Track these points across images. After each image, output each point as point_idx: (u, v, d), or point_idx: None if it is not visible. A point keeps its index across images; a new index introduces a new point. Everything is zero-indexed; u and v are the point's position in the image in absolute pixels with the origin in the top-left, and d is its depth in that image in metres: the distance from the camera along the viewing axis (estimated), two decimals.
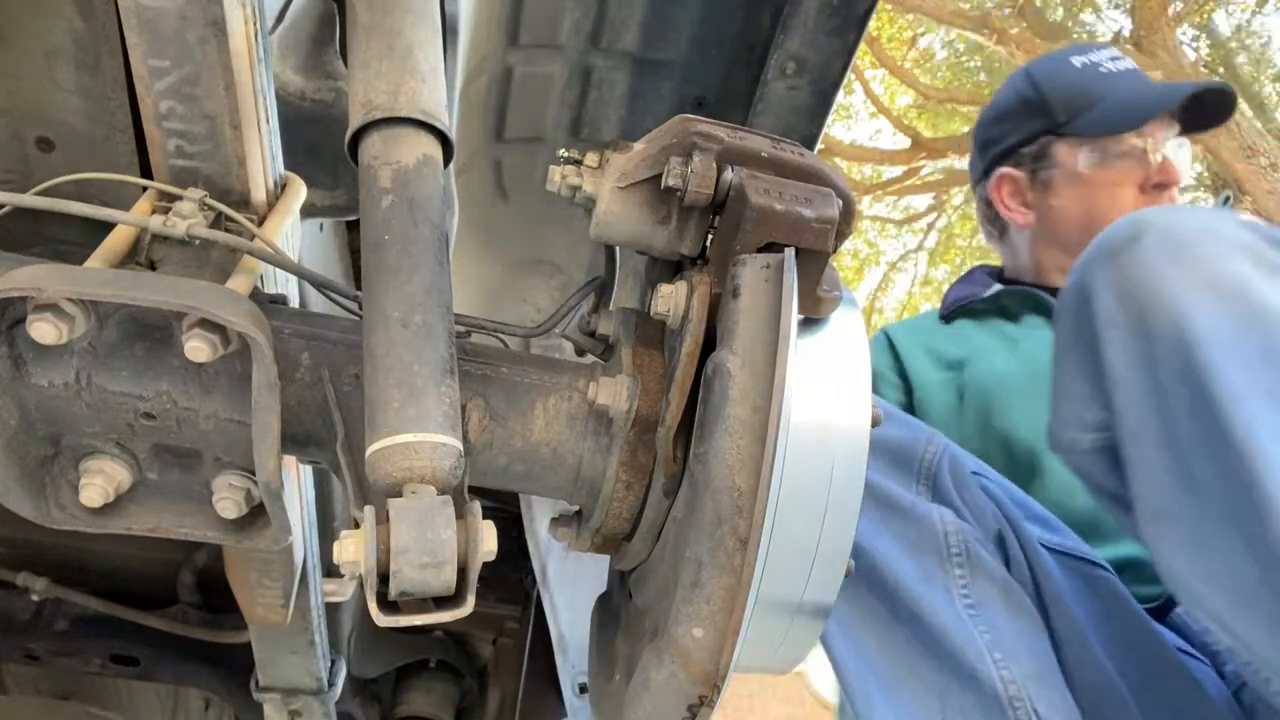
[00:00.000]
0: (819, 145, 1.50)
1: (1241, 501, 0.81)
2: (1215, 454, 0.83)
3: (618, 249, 0.88)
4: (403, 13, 0.80)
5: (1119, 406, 0.93)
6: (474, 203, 1.67)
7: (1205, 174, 8.24)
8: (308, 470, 1.15)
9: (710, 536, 0.66)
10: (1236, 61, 9.53)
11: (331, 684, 1.53)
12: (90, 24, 0.92)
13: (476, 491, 0.76)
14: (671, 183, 0.72)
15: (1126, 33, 8.75)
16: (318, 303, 1.12)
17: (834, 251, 0.74)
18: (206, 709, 2.17)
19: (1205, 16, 9.47)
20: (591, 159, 0.78)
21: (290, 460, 0.94)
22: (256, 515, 0.79)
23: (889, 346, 1.87)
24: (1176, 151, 1.72)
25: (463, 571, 0.63)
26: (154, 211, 0.79)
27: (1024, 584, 1.12)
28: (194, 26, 0.72)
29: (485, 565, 0.64)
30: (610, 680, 0.82)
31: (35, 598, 1.65)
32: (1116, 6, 9.81)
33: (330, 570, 1.45)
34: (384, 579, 0.61)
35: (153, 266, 0.80)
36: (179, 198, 0.80)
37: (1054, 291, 1.67)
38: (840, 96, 1.51)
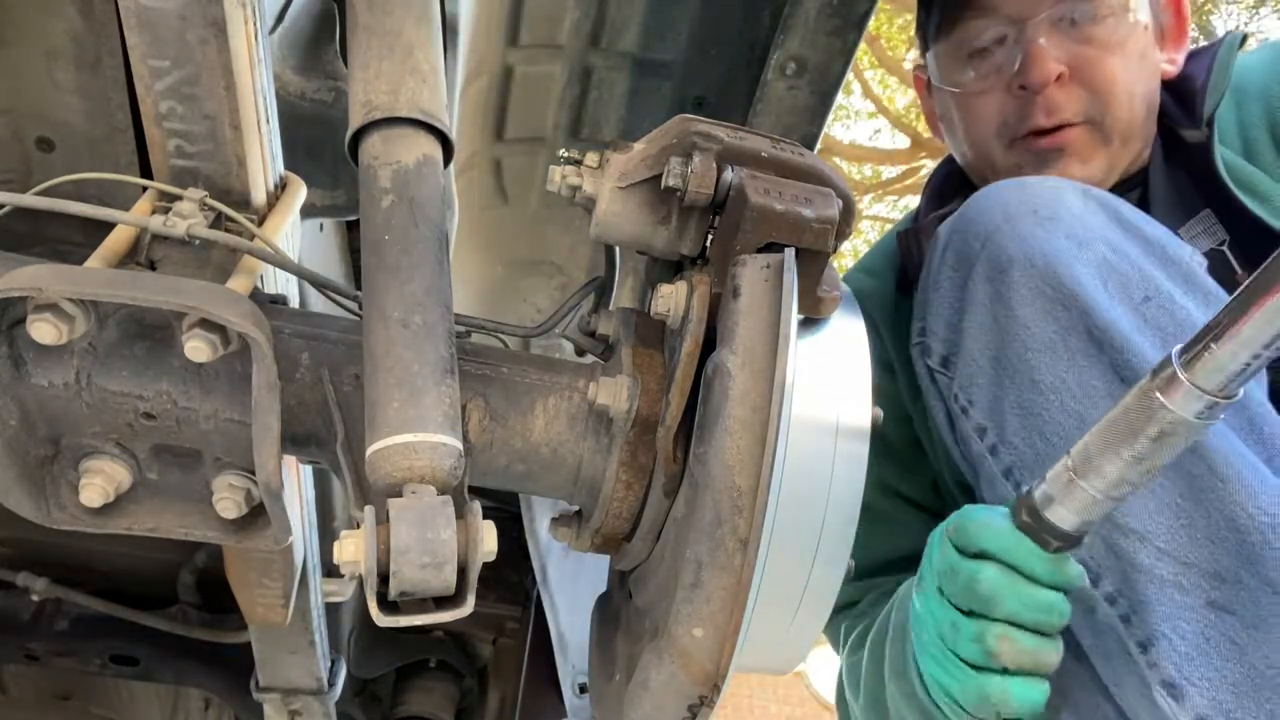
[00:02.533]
0: (819, 145, 1.50)
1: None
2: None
3: (618, 249, 0.88)
4: (403, 13, 0.80)
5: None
6: (474, 203, 1.67)
7: None
8: (308, 470, 1.14)
9: (710, 536, 0.66)
10: None
11: (331, 684, 1.53)
12: (90, 24, 0.92)
13: (476, 491, 0.76)
14: (671, 183, 0.72)
15: None
16: (318, 303, 1.12)
17: (834, 251, 0.74)
18: (206, 709, 2.17)
19: (1204, 18, 9.48)
20: (591, 159, 0.78)
21: (290, 460, 0.94)
22: (256, 515, 0.79)
23: None
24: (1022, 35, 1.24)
25: (463, 571, 0.63)
26: (154, 211, 0.79)
27: None
28: (194, 26, 0.72)
29: (485, 565, 0.64)
30: (610, 680, 0.82)
31: (35, 598, 1.65)
32: None
33: (330, 570, 1.45)
34: (384, 579, 0.61)
35: (153, 266, 0.80)
36: (179, 198, 0.80)
37: None
38: (840, 97, 1.50)
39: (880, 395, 1.20)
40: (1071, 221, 1.02)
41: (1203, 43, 1.34)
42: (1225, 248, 1.25)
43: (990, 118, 1.30)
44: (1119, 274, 1.00)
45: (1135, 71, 1.25)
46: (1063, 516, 0.82)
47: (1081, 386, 0.97)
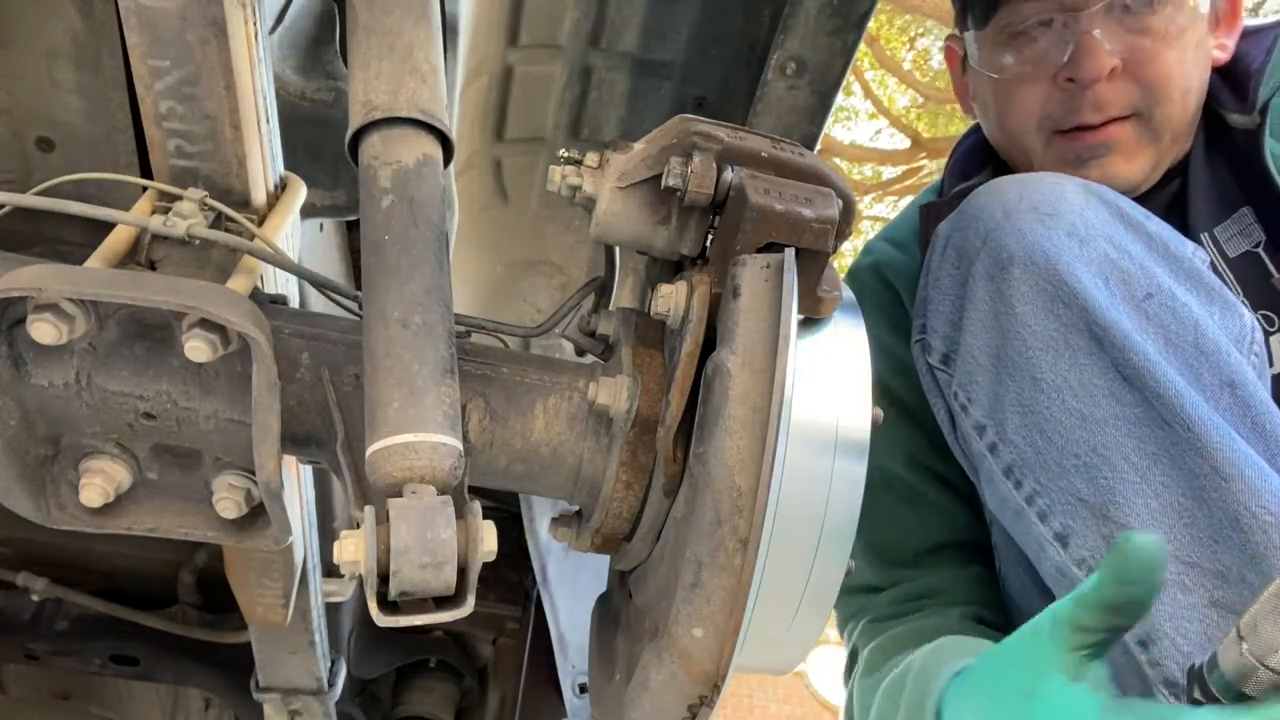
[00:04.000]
0: (819, 145, 1.50)
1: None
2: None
3: (618, 249, 0.88)
4: (403, 13, 0.80)
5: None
6: (474, 203, 1.67)
7: None
8: (308, 470, 1.14)
9: (710, 536, 0.66)
10: None
11: (331, 684, 1.53)
12: (90, 24, 0.92)
13: (476, 491, 0.76)
14: (671, 183, 0.72)
15: None
16: (318, 303, 1.12)
17: (834, 251, 0.74)
18: (206, 709, 2.17)
19: None
20: (591, 159, 0.78)
21: (290, 460, 0.94)
22: (256, 515, 0.79)
23: None
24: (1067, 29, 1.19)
25: (463, 571, 0.63)
26: (154, 211, 0.79)
27: None
28: (194, 26, 0.72)
29: (485, 565, 0.64)
30: (610, 680, 0.82)
31: (35, 598, 1.65)
32: None
33: (330, 570, 1.45)
34: (384, 579, 0.61)
35: (153, 266, 0.80)
36: (179, 198, 0.80)
37: None
38: (840, 98, 1.50)
39: (908, 372, 1.19)
40: (1072, 218, 1.01)
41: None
42: (1261, 249, 1.22)
43: (1031, 109, 1.23)
44: (1120, 271, 0.99)
45: (1190, 64, 1.19)
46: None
47: (1083, 385, 0.96)
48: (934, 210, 1.33)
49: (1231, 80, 1.24)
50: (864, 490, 0.71)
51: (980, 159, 1.42)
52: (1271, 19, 1.27)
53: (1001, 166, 1.39)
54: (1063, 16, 1.18)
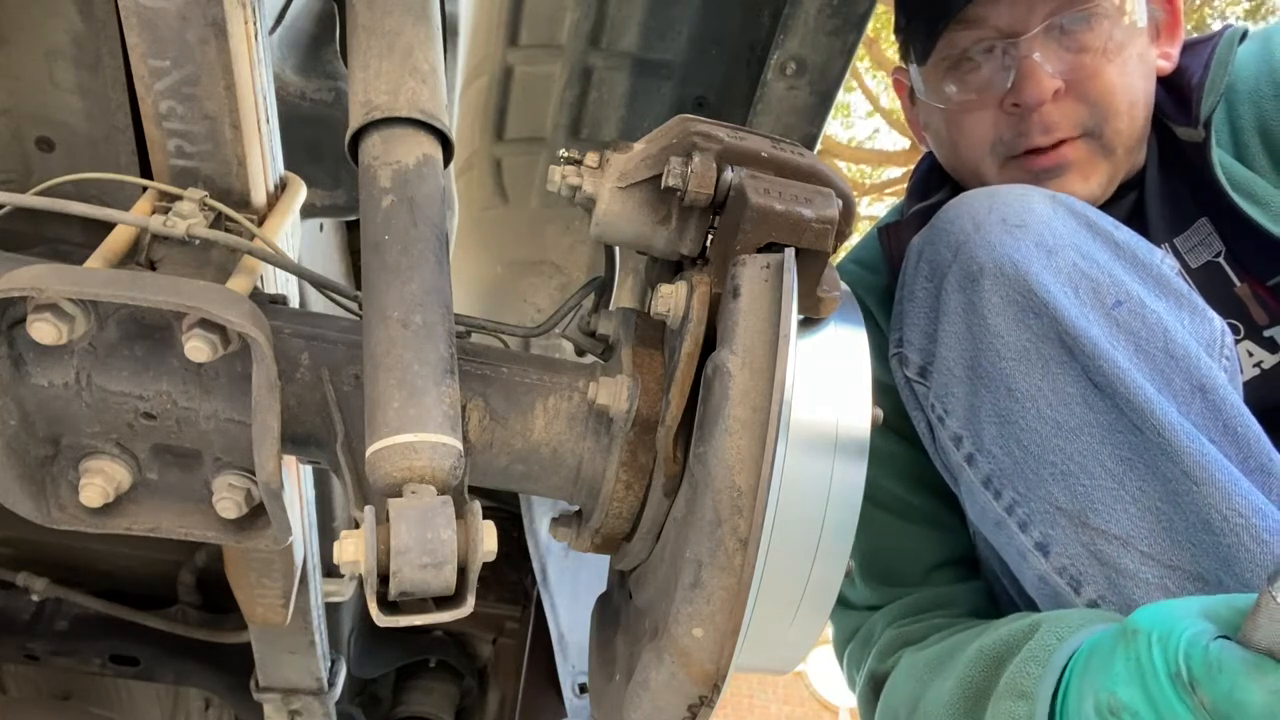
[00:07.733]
0: (819, 145, 1.50)
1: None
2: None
3: (618, 249, 0.88)
4: (403, 13, 0.80)
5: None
6: (474, 203, 1.67)
7: None
8: (308, 470, 1.15)
9: (710, 536, 0.66)
10: None
11: (331, 684, 1.53)
12: (90, 24, 0.92)
13: (476, 491, 0.76)
14: (671, 183, 0.72)
15: None
16: (318, 303, 1.12)
17: (834, 252, 0.74)
18: (206, 709, 2.17)
19: (1201, 18, 9.48)
20: (591, 159, 0.78)
21: (290, 460, 0.94)
22: (256, 515, 0.79)
23: None
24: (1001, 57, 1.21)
25: (463, 571, 0.63)
26: (154, 211, 0.79)
27: None
28: (194, 26, 0.72)
29: (485, 565, 0.64)
30: (610, 680, 0.82)
31: (35, 598, 1.65)
32: None
33: (330, 570, 1.45)
34: (384, 579, 0.61)
35: (153, 266, 0.80)
36: (179, 198, 0.80)
37: None
38: (840, 94, 1.49)
39: (889, 392, 1.19)
40: (1040, 228, 1.02)
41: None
42: (1222, 259, 1.24)
43: (982, 136, 1.25)
44: (1089, 279, 1.00)
45: (1134, 77, 1.21)
46: None
47: (1056, 394, 0.97)
48: (894, 231, 1.35)
49: (1175, 94, 1.25)
50: (861, 508, 0.71)
51: (939, 179, 1.42)
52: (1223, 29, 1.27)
53: (958, 186, 1.39)
54: (1002, 43, 1.20)
